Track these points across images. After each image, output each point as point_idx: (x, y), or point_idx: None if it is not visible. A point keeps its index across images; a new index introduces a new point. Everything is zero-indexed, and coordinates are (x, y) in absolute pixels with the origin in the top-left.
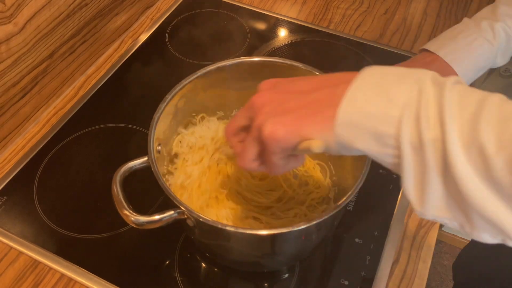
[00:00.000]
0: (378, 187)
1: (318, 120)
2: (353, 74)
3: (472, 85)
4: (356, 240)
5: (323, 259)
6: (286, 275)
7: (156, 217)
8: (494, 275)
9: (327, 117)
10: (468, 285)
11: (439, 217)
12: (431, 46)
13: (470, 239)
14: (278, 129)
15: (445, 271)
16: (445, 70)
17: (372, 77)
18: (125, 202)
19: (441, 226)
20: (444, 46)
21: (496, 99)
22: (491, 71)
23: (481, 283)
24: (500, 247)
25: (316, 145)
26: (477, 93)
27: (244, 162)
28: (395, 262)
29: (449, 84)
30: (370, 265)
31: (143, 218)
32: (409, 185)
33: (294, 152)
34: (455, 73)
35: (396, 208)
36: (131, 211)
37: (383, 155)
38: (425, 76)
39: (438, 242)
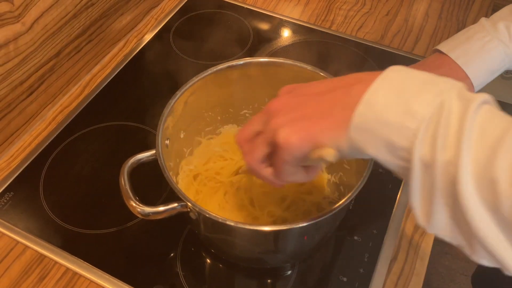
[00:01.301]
0: (377, 185)
1: (331, 124)
2: (371, 74)
3: None
4: (355, 238)
5: (323, 256)
6: (286, 271)
7: (161, 208)
8: None
9: (340, 121)
10: None
11: (443, 236)
12: (443, 47)
13: None
14: (292, 135)
15: (446, 272)
16: (455, 73)
17: (394, 80)
18: (132, 193)
19: None
20: (457, 48)
21: None
22: None
23: None
24: None
25: (329, 154)
26: (503, 120)
27: (252, 160)
28: (393, 259)
29: (476, 103)
30: (369, 262)
31: (148, 209)
32: (415, 200)
33: (306, 163)
34: (466, 77)
35: (394, 207)
36: (137, 202)
37: (393, 164)
38: (452, 89)
39: (439, 242)
